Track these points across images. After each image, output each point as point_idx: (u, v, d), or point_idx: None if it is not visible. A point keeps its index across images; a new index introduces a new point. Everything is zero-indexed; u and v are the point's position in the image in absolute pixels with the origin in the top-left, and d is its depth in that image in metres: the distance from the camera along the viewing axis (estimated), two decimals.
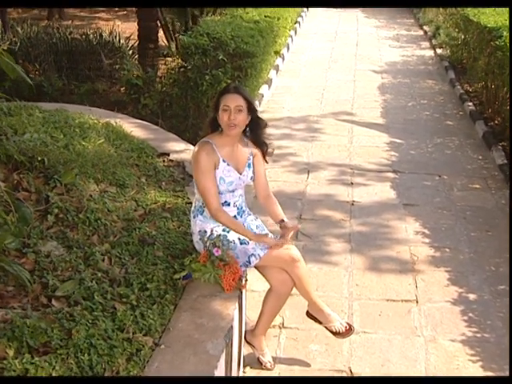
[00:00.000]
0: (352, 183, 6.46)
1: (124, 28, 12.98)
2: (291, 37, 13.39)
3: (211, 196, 3.46)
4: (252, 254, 3.49)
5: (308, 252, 4.93)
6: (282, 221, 3.68)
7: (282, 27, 10.62)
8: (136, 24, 9.20)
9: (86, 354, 2.72)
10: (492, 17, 8.26)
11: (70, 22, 14.72)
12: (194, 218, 3.60)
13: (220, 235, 3.44)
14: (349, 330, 3.75)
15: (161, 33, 10.62)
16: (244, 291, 3.52)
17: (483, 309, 4.38)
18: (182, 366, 2.78)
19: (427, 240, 5.30)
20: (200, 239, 3.53)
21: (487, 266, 4.92)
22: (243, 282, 3.41)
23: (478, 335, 4.11)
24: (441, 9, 13.24)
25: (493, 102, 8.33)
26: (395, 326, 4.19)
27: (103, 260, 3.52)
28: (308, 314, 3.83)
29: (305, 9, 17.27)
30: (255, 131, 3.64)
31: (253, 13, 9.33)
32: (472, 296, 4.53)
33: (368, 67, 11.49)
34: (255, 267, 3.60)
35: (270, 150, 3.74)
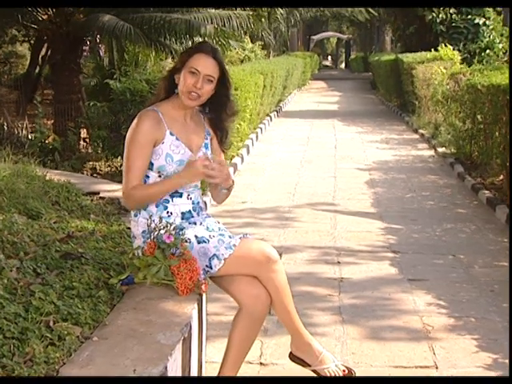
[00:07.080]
0: (339, 262, 6.53)
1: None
2: (251, 139, 13.97)
3: (133, 173, 3.51)
4: (214, 256, 3.47)
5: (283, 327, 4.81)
6: None
7: (242, 106, 11.13)
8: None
9: None
10: (504, 74, 8.88)
11: None
12: (136, 216, 3.62)
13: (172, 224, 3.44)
14: (348, 376, 3.67)
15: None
16: (205, 297, 3.46)
17: None
18: (123, 354, 2.69)
19: (444, 311, 5.33)
20: (144, 242, 3.51)
21: None
22: (203, 285, 3.37)
23: None
24: (440, 103, 14.08)
25: None
26: None
27: (11, 271, 3.46)
28: (291, 356, 3.75)
29: (267, 117, 18.16)
30: (218, 111, 3.75)
31: None
32: None
33: (351, 166, 11.99)
34: (216, 281, 3.56)
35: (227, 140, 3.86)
